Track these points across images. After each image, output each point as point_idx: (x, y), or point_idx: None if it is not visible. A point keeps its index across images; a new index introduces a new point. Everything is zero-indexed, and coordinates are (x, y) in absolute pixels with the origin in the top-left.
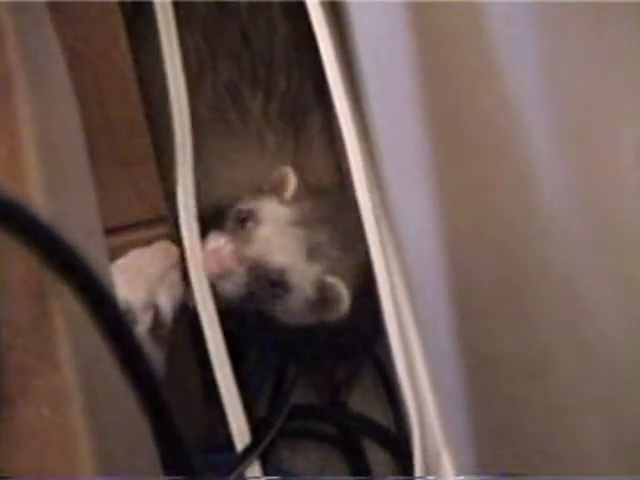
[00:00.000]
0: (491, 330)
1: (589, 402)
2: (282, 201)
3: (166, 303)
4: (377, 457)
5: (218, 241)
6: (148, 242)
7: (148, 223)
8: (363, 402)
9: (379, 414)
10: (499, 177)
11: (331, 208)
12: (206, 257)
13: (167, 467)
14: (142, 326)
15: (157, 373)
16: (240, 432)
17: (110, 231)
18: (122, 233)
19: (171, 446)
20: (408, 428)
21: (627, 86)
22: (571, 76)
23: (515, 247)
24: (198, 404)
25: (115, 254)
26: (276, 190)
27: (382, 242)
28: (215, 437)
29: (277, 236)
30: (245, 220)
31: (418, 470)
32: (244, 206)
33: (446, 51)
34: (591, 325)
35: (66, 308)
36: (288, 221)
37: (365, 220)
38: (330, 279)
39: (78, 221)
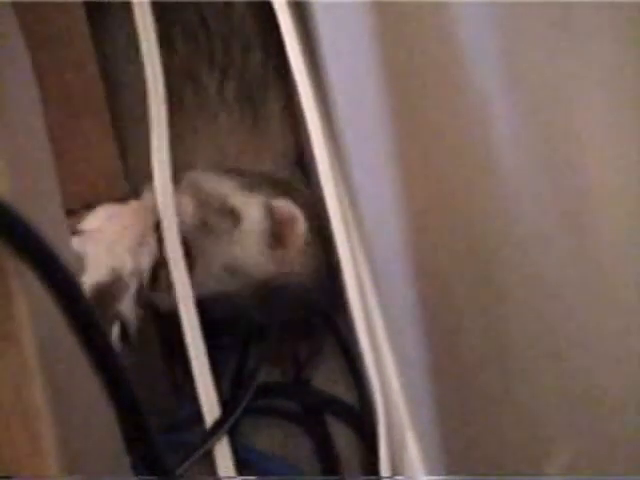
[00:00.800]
0: (456, 309)
1: (551, 382)
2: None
3: (147, 266)
4: (341, 435)
5: None
6: None
7: (110, 203)
8: (327, 380)
9: (343, 392)
10: (463, 172)
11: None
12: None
13: (130, 445)
14: (131, 291)
15: (123, 362)
16: (210, 408)
17: (72, 212)
18: (84, 214)
19: (133, 424)
20: (372, 406)
21: (594, 83)
22: (536, 75)
23: (480, 231)
24: (163, 379)
25: (76, 235)
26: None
27: (346, 222)
28: (179, 414)
29: (212, 177)
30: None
31: (383, 448)
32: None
33: (411, 49)
34: (560, 312)
35: (28, 289)
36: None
37: (327, 200)
38: (278, 202)
39: (39, 202)
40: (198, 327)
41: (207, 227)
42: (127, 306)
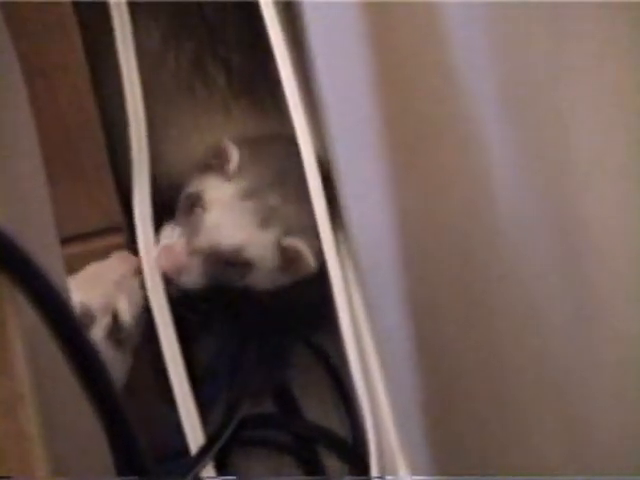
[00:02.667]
0: (448, 335)
1: (543, 411)
2: (226, 176)
3: (125, 308)
4: (334, 466)
5: (170, 238)
6: (104, 251)
7: (104, 232)
8: (319, 412)
9: (335, 424)
10: (456, 176)
11: (278, 166)
12: (159, 255)
13: (121, 473)
14: (100, 330)
15: (112, 379)
16: (195, 436)
17: (66, 240)
18: (78, 242)
19: (126, 451)
20: (364, 437)
21: (585, 85)
22: (528, 76)
23: (472, 250)
24: (157, 412)
25: (71, 263)
26: (219, 165)
27: (337, 247)
28: (173, 445)
29: (226, 216)
30: (193, 205)
31: (374, 474)
32: (192, 189)
33: (401, 51)
34: (546, 334)
35: (21, 314)
36: (235, 196)
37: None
38: (287, 240)
39: (34, 230)
40: (180, 357)
41: (219, 280)
42: (95, 337)
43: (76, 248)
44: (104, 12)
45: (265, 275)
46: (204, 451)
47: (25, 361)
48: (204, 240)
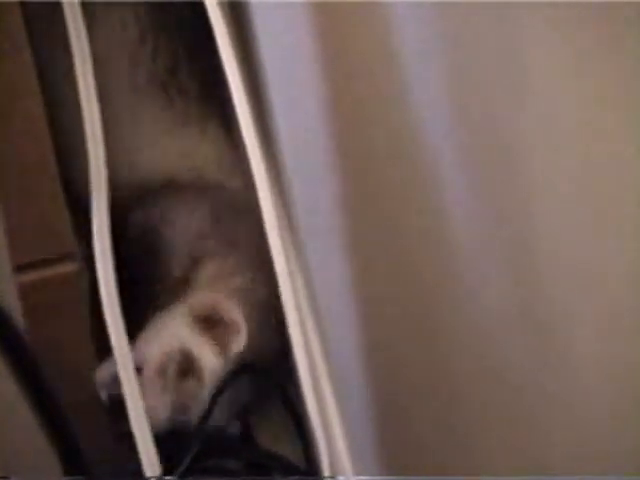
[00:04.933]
0: (401, 361)
1: (493, 415)
2: (225, 352)
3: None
4: None
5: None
6: (59, 279)
7: (58, 260)
8: (273, 439)
9: (288, 450)
10: (402, 185)
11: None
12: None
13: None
14: None
15: (53, 388)
16: (150, 463)
17: (19, 268)
18: (31, 270)
19: (68, 453)
20: (318, 465)
21: (540, 85)
22: (476, 72)
23: (423, 275)
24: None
25: (24, 291)
26: (220, 334)
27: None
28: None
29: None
30: (185, 368)
31: None
32: (182, 343)
33: (351, 52)
34: (500, 354)
35: None
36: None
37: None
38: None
39: None
40: (135, 382)
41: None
42: None
43: (29, 276)
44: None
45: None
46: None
47: None
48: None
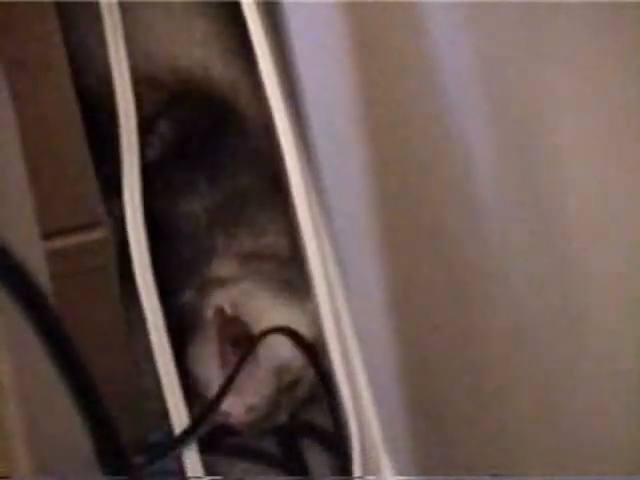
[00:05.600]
0: (430, 325)
1: (531, 405)
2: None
3: None
4: (316, 459)
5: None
6: (86, 247)
7: (86, 227)
8: (300, 406)
9: (318, 416)
10: (435, 175)
11: None
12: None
13: (103, 464)
14: None
15: (91, 372)
16: (180, 418)
17: (47, 235)
18: (59, 237)
19: (107, 444)
20: (347, 430)
21: (568, 80)
22: (509, 75)
23: (452, 235)
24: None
25: (52, 258)
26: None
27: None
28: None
29: None
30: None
31: (357, 471)
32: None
33: (383, 52)
34: (527, 315)
35: (2, 310)
36: None
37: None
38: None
39: (15, 224)
40: (164, 330)
41: None
42: None
43: (56, 243)
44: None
45: None
46: (188, 432)
47: (7, 356)
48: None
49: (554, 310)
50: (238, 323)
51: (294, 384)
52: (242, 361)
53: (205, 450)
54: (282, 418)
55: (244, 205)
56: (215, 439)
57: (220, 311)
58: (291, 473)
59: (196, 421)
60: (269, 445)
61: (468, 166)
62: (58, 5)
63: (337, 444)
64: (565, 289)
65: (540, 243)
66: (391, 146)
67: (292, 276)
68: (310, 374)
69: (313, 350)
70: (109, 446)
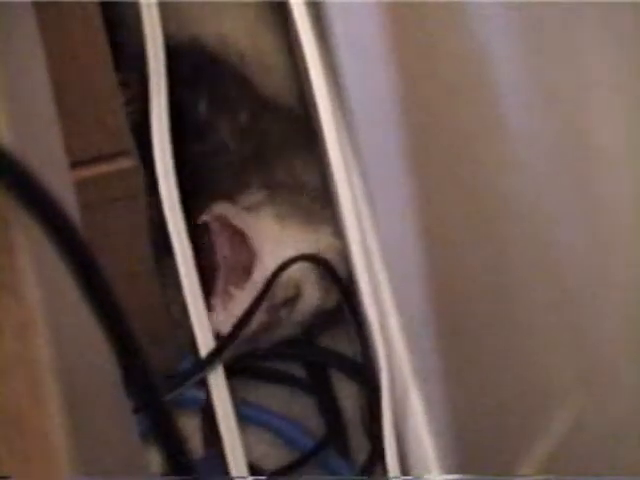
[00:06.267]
0: (459, 260)
1: (557, 333)
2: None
3: None
4: (346, 390)
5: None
6: (114, 175)
7: (113, 156)
8: (330, 336)
9: (346, 346)
10: (481, 171)
11: None
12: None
13: (132, 395)
14: None
15: (121, 304)
16: (204, 337)
17: (75, 164)
18: (87, 166)
19: (136, 377)
20: (376, 361)
21: (609, 78)
22: (554, 73)
23: (484, 185)
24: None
25: (80, 187)
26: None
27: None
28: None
29: None
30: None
31: (386, 402)
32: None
33: (426, 50)
34: (560, 253)
35: (31, 239)
36: None
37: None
38: None
39: (43, 154)
40: (190, 255)
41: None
42: None
43: (85, 172)
44: None
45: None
46: (214, 354)
47: (36, 288)
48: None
49: (582, 243)
50: (238, 233)
51: (293, 298)
52: (267, 288)
53: (233, 374)
54: (286, 331)
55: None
56: (243, 363)
57: (222, 218)
58: (319, 400)
59: (220, 345)
60: (298, 372)
61: (516, 168)
62: None
63: (366, 375)
64: (593, 221)
65: (569, 178)
66: (435, 148)
67: (313, 207)
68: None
69: (341, 280)
70: (137, 373)
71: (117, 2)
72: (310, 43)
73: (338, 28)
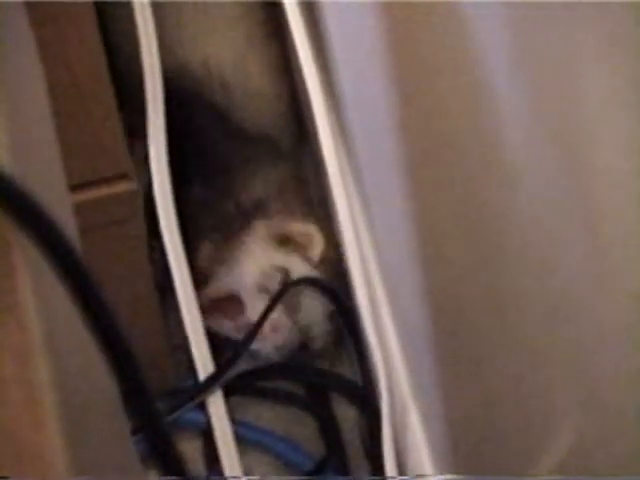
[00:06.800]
0: (458, 276)
1: (557, 351)
2: (311, 262)
3: None
4: (345, 412)
5: (278, 318)
6: (113, 198)
7: (113, 179)
8: (329, 357)
9: (346, 368)
10: (475, 172)
11: None
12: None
13: (131, 416)
14: None
15: (122, 326)
16: (203, 361)
17: (75, 187)
18: (87, 189)
19: (135, 398)
20: (375, 382)
21: (606, 79)
22: (548, 72)
23: (480, 194)
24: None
25: (79, 210)
26: (303, 247)
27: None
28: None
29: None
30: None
31: (386, 423)
32: (277, 262)
33: (420, 50)
34: (559, 268)
35: (30, 262)
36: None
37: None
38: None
39: (43, 177)
40: (188, 277)
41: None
42: None
43: (84, 195)
44: None
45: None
46: (213, 378)
47: (36, 310)
48: (301, 319)
49: (583, 261)
50: None
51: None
52: (269, 309)
53: (233, 393)
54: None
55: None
56: (243, 382)
57: None
58: (319, 420)
59: (221, 368)
60: (298, 393)
61: (511, 168)
62: None
63: (366, 397)
64: (593, 238)
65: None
66: (429, 148)
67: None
68: (330, 325)
69: (340, 299)
70: (136, 394)
71: (116, 28)
72: (304, 44)
73: (333, 29)
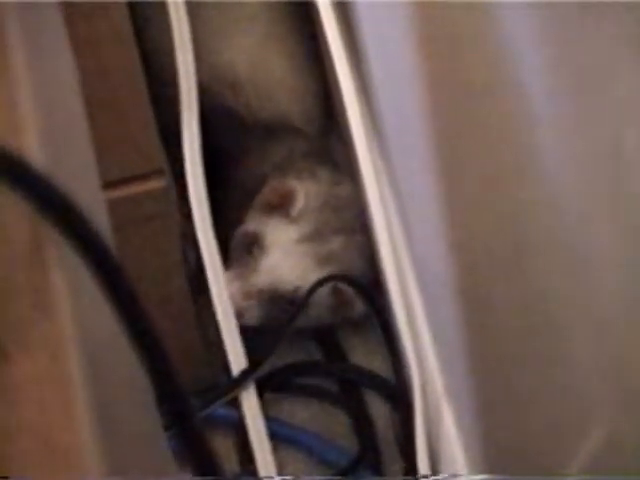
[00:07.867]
0: (489, 279)
1: (594, 362)
2: (289, 218)
3: None
4: (379, 409)
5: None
6: (146, 196)
7: (146, 176)
8: (363, 354)
9: (379, 366)
10: (507, 172)
11: (347, 218)
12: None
13: (164, 413)
14: None
15: (155, 322)
16: (236, 357)
17: (107, 184)
18: (119, 186)
19: (168, 394)
20: (409, 379)
21: (631, 86)
22: (578, 78)
23: (516, 208)
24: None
25: (112, 207)
26: (283, 206)
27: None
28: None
29: (285, 260)
30: (251, 245)
31: (419, 420)
32: (250, 227)
33: (453, 52)
34: (591, 276)
35: (63, 258)
36: (296, 240)
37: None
38: (342, 286)
39: (75, 174)
40: (221, 274)
41: (276, 318)
42: None
43: (118, 192)
44: None
45: (315, 313)
46: (246, 373)
47: (68, 306)
48: (262, 281)
49: (620, 271)
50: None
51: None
52: (298, 310)
53: (266, 390)
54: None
55: None
56: (277, 379)
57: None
58: (352, 417)
59: (254, 364)
60: (332, 390)
61: (541, 167)
62: None
63: (399, 393)
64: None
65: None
66: (462, 148)
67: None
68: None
69: (373, 297)
70: (169, 391)
71: (150, 24)
72: (337, 45)
73: (366, 29)
